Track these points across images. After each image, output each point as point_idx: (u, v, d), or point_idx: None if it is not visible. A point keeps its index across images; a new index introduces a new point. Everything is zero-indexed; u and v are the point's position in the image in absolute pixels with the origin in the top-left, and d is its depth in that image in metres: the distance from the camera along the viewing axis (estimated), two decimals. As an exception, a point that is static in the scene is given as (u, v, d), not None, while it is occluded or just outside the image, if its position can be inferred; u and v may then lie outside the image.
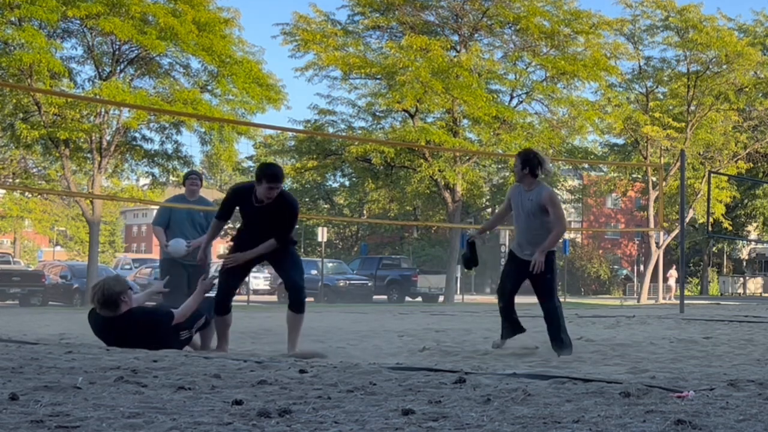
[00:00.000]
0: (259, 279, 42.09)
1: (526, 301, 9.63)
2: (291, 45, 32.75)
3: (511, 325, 8.10)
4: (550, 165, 8.11)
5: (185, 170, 29.29)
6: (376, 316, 17.09)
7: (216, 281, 7.50)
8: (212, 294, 7.51)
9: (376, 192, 43.68)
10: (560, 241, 8.06)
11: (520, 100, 33.92)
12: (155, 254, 62.59)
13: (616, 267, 63.83)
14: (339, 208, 56.77)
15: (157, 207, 10.66)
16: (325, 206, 55.17)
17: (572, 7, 33.31)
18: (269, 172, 7.17)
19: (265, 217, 7.20)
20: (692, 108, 36.26)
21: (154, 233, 10.13)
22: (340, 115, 34.98)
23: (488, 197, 45.77)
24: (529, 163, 7.77)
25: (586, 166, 46.39)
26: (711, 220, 31.38)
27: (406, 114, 32.95)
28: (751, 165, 39.45)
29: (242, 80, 26.58)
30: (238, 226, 7.68)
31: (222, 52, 26.29)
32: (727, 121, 36.32)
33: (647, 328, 12.06)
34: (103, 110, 26.19)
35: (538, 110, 34.39)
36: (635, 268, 57.47)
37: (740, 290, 54.17)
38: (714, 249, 58.78)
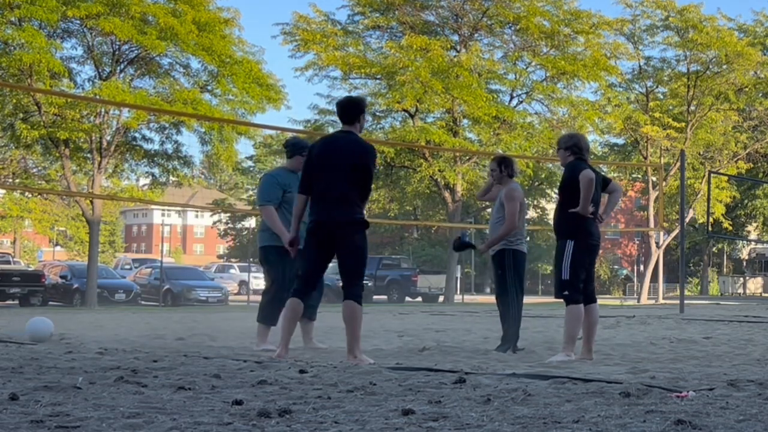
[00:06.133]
0: (260, 279, 42.07)
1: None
2: (291, 45, 32.76)
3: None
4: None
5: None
6: (376, 316, 17.09)
7: None
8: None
9: (376, 192, 43.58)
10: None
11: (520, 100, 33.92)
12: (155, 254, 62.51)
13: (616, 267, 63.87)
14: (339, 208, 56.70)
15: (264, 183, 8.45)
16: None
17: (572, 7, 33.30)
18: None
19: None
20: (692, 108, 36.24)
21: (265, 215, 8.19)
22: (340, 115, 34.94)
23: (488, 197, 45.73)
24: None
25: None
26: (711, 220, 31.36)
27: (406, 114, 32.94)
28: (751, 165, 39.42)
29: (242, 80, 26.57)
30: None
31: (222, 52, 26.28)
32: (727, 121, 36.30)
33: (647, 328, 12.06)
34: (103, 110, 26.17)
35: (538, 110, 34.41)
36: (635, 268, 57.47)
37: (740, 290, 54.14)
38: (714, 249, 58.76)
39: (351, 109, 6.91)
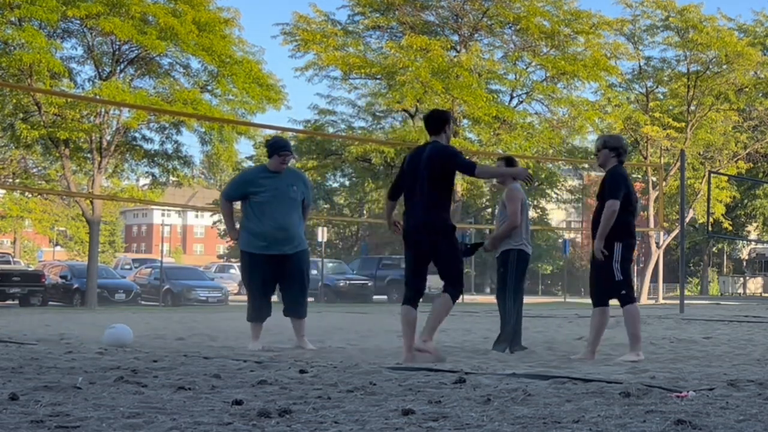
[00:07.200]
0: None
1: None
2: (291, 45, 32.75)
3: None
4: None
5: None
6: (376, 316, 17.09)
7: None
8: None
9: (376, 192, 43.61)
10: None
11: (520, 100, 33.91)
12: (155, 254, 62.48)
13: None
14: (339, 208, 56.78)
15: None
16: (325, 206, 55.14)
17: (572, 7, 33.30)
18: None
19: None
20: (692, 108, 36.24)
21: (221, 207, 8.90)
22: (340, 115, 34.99)
23: (488, 197, 45.76)
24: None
25: (586, 165, 46.35)
26: (711, 220, 31.36)
27: (406, 114, 32.94)
28: (751, 165, 39.41)
29: (242, 80, 26.55)
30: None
31: (222, 52, 26.26)
32: (727, 121, 36.30)
33: (647, 328, 12.06)
34: (103, 110, 26.16)
35: (538, 110, 34.40)
36: (635, 268, 57.43)
37: (740, 290, 54.13)
38: (714, 249, 58.74)
39: (434, 121, 7.18)
